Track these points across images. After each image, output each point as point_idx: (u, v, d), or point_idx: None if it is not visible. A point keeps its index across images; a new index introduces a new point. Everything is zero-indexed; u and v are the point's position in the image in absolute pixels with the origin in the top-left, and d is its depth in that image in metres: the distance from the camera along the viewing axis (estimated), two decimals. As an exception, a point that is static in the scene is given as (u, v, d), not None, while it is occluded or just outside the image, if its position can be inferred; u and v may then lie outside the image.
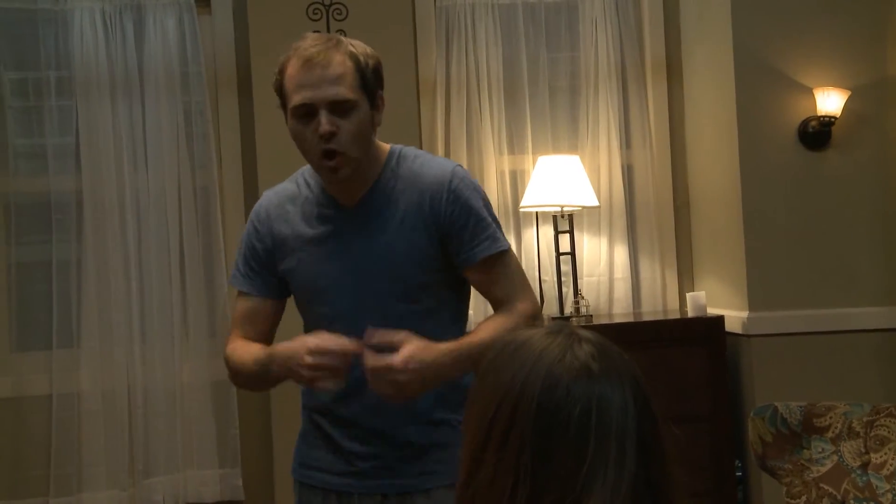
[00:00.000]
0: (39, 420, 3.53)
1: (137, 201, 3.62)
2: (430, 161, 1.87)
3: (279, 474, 3.50)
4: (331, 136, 1.73)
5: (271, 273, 1.91)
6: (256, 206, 1.94)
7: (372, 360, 1.65)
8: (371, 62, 1.79)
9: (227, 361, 1.91)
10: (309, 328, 1.90)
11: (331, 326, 1.77)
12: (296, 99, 1.75)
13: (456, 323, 1.90)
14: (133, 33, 3.62)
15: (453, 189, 1.81)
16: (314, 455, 1.92)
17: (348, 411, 1.85)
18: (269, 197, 1.94)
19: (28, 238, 3.63)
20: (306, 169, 1.91)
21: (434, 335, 1.75)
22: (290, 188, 1.92)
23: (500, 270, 1.85)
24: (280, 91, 1.80)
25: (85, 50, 3.58)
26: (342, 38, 1.81)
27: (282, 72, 1.79)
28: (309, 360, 1.67)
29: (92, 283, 3.56)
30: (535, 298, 1.95)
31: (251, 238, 1.92)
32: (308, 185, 1.90)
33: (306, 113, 1.75)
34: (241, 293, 1.94)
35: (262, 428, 3.61)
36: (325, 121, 1.73)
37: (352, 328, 1.75)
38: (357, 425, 1.85)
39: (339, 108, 1.74)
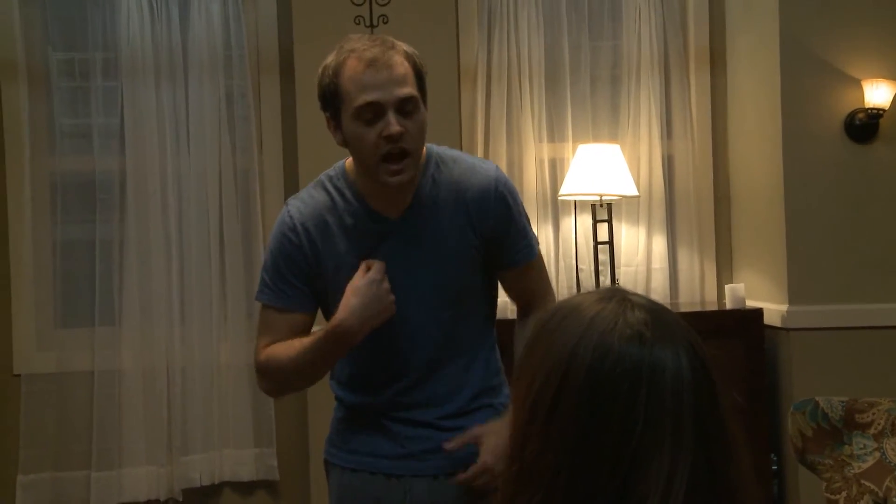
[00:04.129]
0: (82, 396, 3.60)
1: (179, 183, 3.66)
2: (469, 166, 1.87)
3: (314, 455, 3.53)
4: (400, 136, 1.72)
5: (310, 286, 1.85)
6: (286, 220, 1.85)
7: (465, 478, 1.79)
8: (422, 63, 1.80)
9: (268, 364, 1.85)
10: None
11: (377, 339, 1.81)
12: (362, 99, 1.72)
13: (487, 322, 1.97)
14: (178, 16, 3.66)
15: (497, 197, 1.85)
16: (360, 439, 1.92)
17: (409, 399, 1.88)
18: (300, 208, 1.85)
19: (72, 217, 3.69)
20: (334, 176, 1.86)
21: (468, 335, 1.89)
22: (321, 198, 1.85)
23: (532, 273, 1.96)
24: (334, 94, 1.76)
25: (131, 32, 3.62)
26: (390, 38, 1.80)
27: (336, 74, 1.75)
28: (388, 284, 1.76)
29: (133, 263, 3.61)
30: (555, 296, 2.06)
31: (287, 251, 1.84)
32: (342, 194, 1.84)
33: (373, 114, 1.72)
34: (271, 307, 1.86)
35: (298, 409, 3.64)
36: (394, 121, 1.72)
37: (399, 338, 1.84)
38: (410, 420, 1.89)
39: (405, 107, 1.74)
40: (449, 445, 1.82)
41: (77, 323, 3.67)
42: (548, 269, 3.73)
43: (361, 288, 1.74)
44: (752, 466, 0.94)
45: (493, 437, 1.79)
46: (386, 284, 1.76)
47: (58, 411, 3.60)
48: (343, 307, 1.75)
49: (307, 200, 1.86)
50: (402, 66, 1.74)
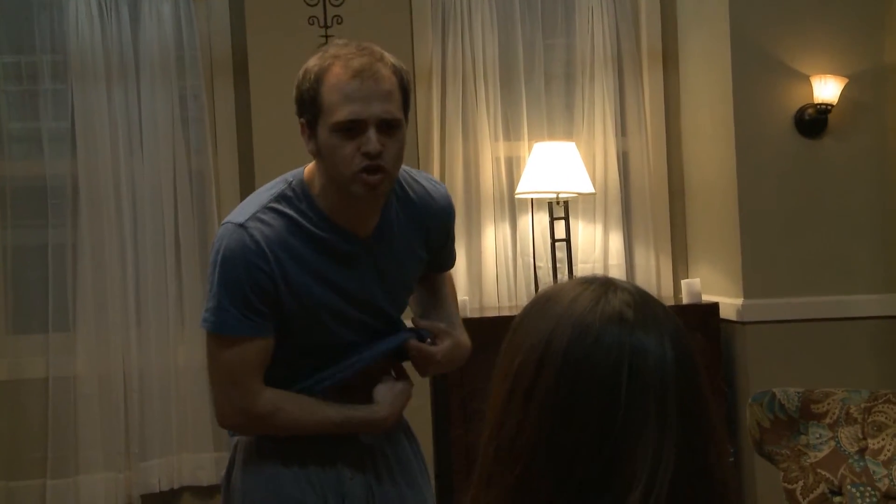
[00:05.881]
0: (36, 403, 3.53)
1: (133, 186, 3.61)
2: (426, 185, 1.88)
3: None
4: (378, 154, 1.65)
5: (276, 312, 1.74)
6: (250, 245, 1.69)
7: (416, 345, 1.86)
8: (409, 77, 1.74)
9: (275, 417, 1.76)
10: (296, 349, 1.81)
11: (326, 350, 1.81)
12: (342, 113, 1.64)
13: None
14: (128, 17, 3.60)
15: (449, 215, 1.92)
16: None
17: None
18: (264, 231, 1.70)
19: (24, 222, 3.62)
20: (293, 197, 1.74)
21: (396, 324, 1.91)
22: (283, 220, 1.72)
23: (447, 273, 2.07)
24: (313, 101, 1.68)
25: (80, 34, 3.56)
26: (377, 48, 1.72)
27: (318, 80, 1.67)
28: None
29: (87, 268, 3.55)
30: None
31: (256, 278, 1.70)
32: (305, 215, 1.73)
33: (351, 128, 1.65)
34: (240, 338, 1.73)
35: (258, 413, 3.61)
36: (375, 139, 1.64)
37: (350, 347, 1.82)
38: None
39: (387, 126, 1.67)
40: (421, 322, 1.91)
41: (30, 329, 3.60)
42: (506, 267, 3.82)
43: (401, 392, 1.85)
44: (730, 453, 0.94)
45: (450, 343, 1.88)
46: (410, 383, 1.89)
47: (11, 419, 3.53)
48: (384, 403, 1.82)
49: (269, 223, 1.71)
50: (388, 82, 1.67)
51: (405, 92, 1.72)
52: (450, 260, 2.01)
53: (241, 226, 1.71)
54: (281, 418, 1.77)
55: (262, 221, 1.71)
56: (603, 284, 0.96)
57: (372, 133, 1.65)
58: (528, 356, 0.93)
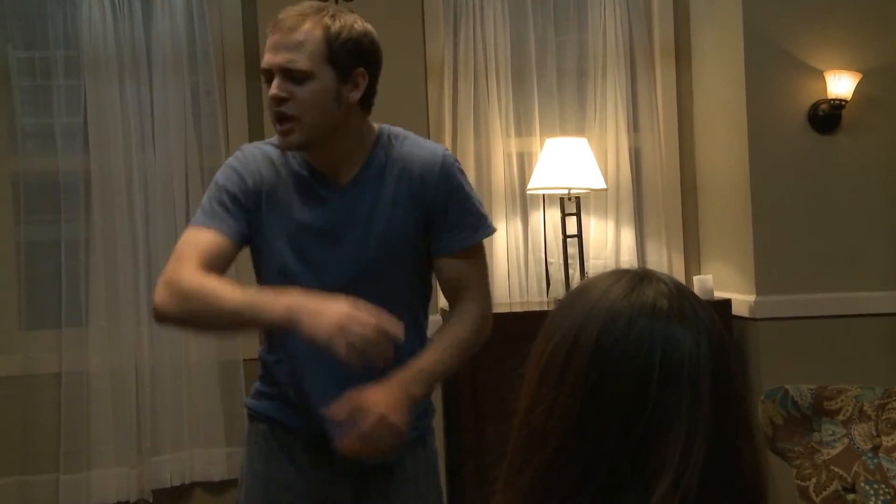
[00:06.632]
0: (49, 398, 3.54)
1: (145, 181, 3.62)
2: (420, 142, 1.89)
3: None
4: (280, 101, 1.73)
5: (243, 220, 1.81)
6: (240, 157, 1.86)
7: (346, 441, 1.68)
8: (346, 35, 1.75)
9: (181, 284, 1.71)
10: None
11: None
12: (262, 63, 1.77)
13: (417, 322, 1.89)
14: (141, 13, 3.61)
15: (444, 170, 1.83)
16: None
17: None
18: (253, 151, 1.87)
19: (36, 217, 3.63)
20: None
21: (377, 264, 1.83)
22: (274, 149, 1.86)
23: (469, 263, 1.88)
24: None
25: (93, 29, 3.56)
26: (332, 7, 1.78)
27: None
28: (373, 336, 1.57)
29: (100, 263, 3.56)
30: (490, 300, 1.93)
31: (231, 181, 1.82)
32: (293, 155, 1.85)
33: (269, 79, 1.76)
34: (201, 228, 1.79)
35: (270, 408, 3.61)
36: (274, 84, 1.73)
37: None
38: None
39: (293, 75, 1.73)
40: (332, 413, 1.67)
41: (43, 325, 3.61)
42: (518, 263, 3.81)
43: (338, 305, 1.60)
44: (762, 449, 0.94)
45: (374, 393, 1.66)
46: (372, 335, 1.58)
47: (24, 414, 3.54)
48: (317, 310, 1.59)
49: (263, 148, 1.88)
50: (303, 34, 1.73)
51: (331, 46, 1.73)
52: (459, 235, 1.85)
53: (241, 148, 1.90)
54: (200, 299, 1.68)
55: (258, 148, 1.88)
56: (638, 275, 0.97)
57: (276, 80, 1.74)
58: (560, 342, 0.94)
